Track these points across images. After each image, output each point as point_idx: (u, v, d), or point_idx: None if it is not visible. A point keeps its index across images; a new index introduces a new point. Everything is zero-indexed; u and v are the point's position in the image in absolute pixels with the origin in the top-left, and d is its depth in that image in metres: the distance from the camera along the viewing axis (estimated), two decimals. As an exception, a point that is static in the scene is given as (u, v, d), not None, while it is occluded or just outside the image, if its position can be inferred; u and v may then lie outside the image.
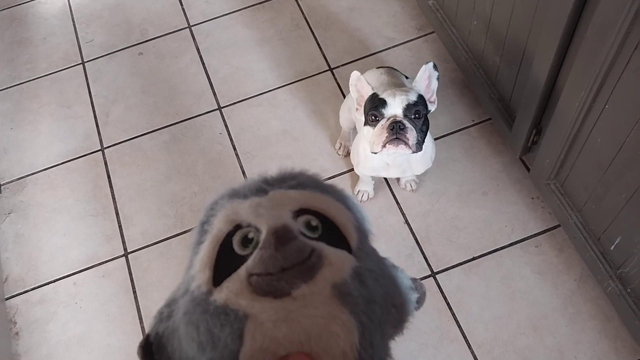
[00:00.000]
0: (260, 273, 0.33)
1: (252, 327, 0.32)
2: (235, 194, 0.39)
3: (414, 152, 1.21)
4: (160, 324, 0.37)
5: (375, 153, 1.23)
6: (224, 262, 0.35)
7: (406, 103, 1.19)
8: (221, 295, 0.33)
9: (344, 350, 0.32)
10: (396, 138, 1.18)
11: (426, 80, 1.26)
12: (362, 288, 0.34)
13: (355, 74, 1.26)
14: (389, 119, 1.19)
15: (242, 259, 0.34)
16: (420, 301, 0.39)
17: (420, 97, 1.23)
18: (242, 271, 0.34)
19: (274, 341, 0.32)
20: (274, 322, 0.32)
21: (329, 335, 0.32)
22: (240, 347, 0.32)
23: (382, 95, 1.21)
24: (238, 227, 0.36)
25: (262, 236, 0.35)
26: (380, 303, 0.35)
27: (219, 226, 0.36)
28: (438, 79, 1.27)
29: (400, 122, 1.18)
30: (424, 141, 1.23)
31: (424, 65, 1.24)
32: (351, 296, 0.33)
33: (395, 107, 1.19)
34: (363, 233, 0.38)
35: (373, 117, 1.21)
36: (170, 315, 0.36)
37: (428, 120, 1.25)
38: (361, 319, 0.33)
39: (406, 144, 1.19)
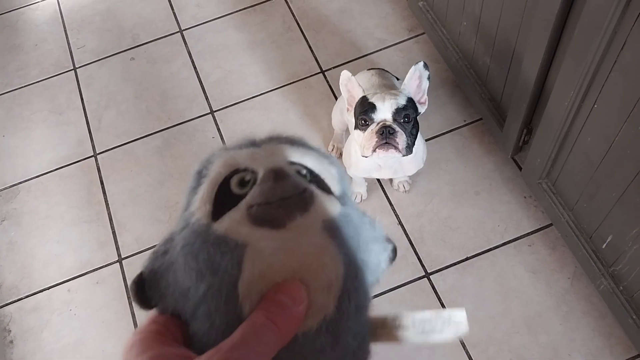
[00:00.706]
0: (260, 203, 0.35)
1: (251, 254, 0.33)
2: (230, 148, 0.41)
3: (404, 156, 1.22)
4: (156, 261, 0.38)
5: (366, 157, 1.24)
6: (223, 200, 0.37)
7: (395, 107, 1.19)
8: (222, 225, 0.35)
9: (330, 279, 0.34)
10: (386, 143, 1.19)
11: (416, 81, 1.25)
12: (348, 226, 0.37)
13: (345, 74, 1.26)
14: (378, 123, 1.19)
15: (240, 198, 0.36)
16: (394, 252, 0.42)
17: (410, 100, 1.23)
18: (241, 204, 0.36)
19: (271, 268, 0.33)
20: (271, 251, 0.33)
21: (318, 264, 0.34)
22: (239, 273, 0.33)
23: (372, 100, 1.21)
24: (235, 171, 0.38)
25: (260, 175, 0.37)
26: (363, 242, 0.38)
27: (216, 170, 0.38)
28: (429, 78, 1.26)
29: (389, 126, 1.18)
30: (414, 144, 1.23)
31: (413, 66, 1.24)
32: (339, 231, 0.36)
33: (384, 111, 1.19)
34: (344, 187, 0.41)
35: (363, 122, 1.21)
36: (167, 251, 0.37)
37: (418, 123, 1.25)
38: (346, 252, 0.35)
39: (396, 148, 1.19)
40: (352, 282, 0.35)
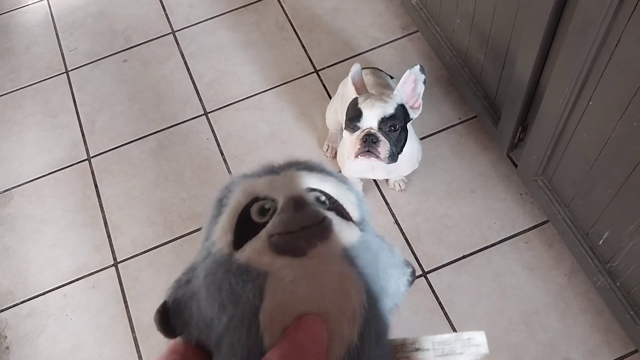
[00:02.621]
0: (281, 232, 0.35)
1: (272, 283, 0.33)
2: (249, 175, 0.41)
3: (388, 164, 1.22)
4: (179, 290, 0.38)
5: (350, 160, 1.24)
6: (244, 229, 0.37)
7: (382, 116, 1.18)
8: (243, 254, 0.35)
9: (354, 307, 0.34)
10: (368, 151, 1.19)
11: (411, 84, 1.23)
12: (367, 253, 0.37)
13: (356, 66, 1.26)
14: (363, 130, 1.19)
15: (261, 226, 0.37)
16: (413, 275, 0.42)
17: (400, 108, 1.21)
18: (262, 233, 0.36)
19: (294, 297, 0.33)
20: (293, 279, 0.33)
21: (342, 292, 0.34)
22: (261, 302, 0.33)
23: (361, 105, 1.20)
24: (255, 199, 0.38)
25: (280, 204, 0.37)
26: (382, 268, 0.38)
27: (236, 199, 0.38)
28: (425, 82, 1.23)
29: (373, 135, 1.18)
30: (399, 152, 1.23)
31: (408, 70, 1.21)
32: (359, 259, 0.36)
33: (370, 119, 1.19)
34: (363, 212, 0.41)
35: (350, 126, 1.21)
36: (189, 280, 0.38)
37: (407, 130, 1.24)
38: (367, 280, 0.35)
39: (377, 156, 1.19)
40: (372, 310, 0.35)
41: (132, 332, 1.46)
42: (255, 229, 0.37)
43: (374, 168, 1.34)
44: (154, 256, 1.55)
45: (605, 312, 1.36)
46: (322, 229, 0.36)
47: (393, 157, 1.21)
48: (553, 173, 1.30)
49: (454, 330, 1.39)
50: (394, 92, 1.23)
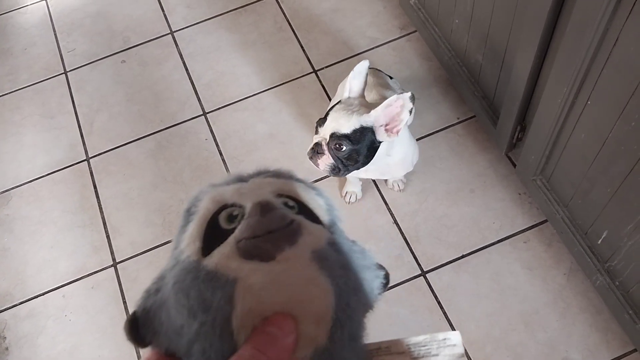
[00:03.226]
0: (248, 237, 0.35)
1: (241, 289, 0.33)
2: (218, 185, 0.42)
3: (332, 176, 1.24)
4: (148, 299, 0.38)
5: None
6: (212, 236, 0.37)
7: (333, 132, 1.17)
8: (212, 260, 0.35)
9: (321, 311, 0.34)
10: (312, 157, 1.22)
11: (397, 109, 1.13)
12: (338, 255, 0.37)
13: (364, 64, 1.23)
14: (319, 136, 1.21)
15: (229, 233, 0.37)
16: (386, 278, 0.42)
17: (360, 131, 1.15)
18: (230, 239, 0.36)
19: (261, 302, 0.33)
20: (261, 285, 0.34)
21: (309, 296, 0.34)
22: (232, 309, 0.33)
23: (330, 112, 1.20)
24: (223, 207, 0.38)
25: (247, 209, 0.37)
26: (353, 271, 0.38)
27: (205, 206, 0.39)
28: (411, 112, 1.13)
29: (319, 145, 1.20)
30: (348, 170, 1.22)
31: (396, 95, 1.12)
32: (328, 261, 0.36)
33: (326, 130, 1.19)
34: (333, 217, 0.41)
35: (316, 127, 1.23)
36: (159, 289, 0.38)
37: (370, 150, 1.18)
38: (338, 282, 0.35)
39: (317, 166, 1.21)
40: (344, 312, 0.35)
41: (131, 333, 1.45)
42: (224, 235, 0.37)
43: (367, 170, 1.34)
44: (153, 257, 1.55)
45: (605, 312, 1.36)
46: (290, 233, 0.36)
47: (336, 172, 1.22)
48: (552, 173, 1.30)
49: (453, 329, 1.38)
50: (371, 112, 1.14)
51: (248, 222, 0.36)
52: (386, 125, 1.17)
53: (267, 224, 0.36)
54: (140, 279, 1.52)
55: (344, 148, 1.16)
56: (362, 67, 1.22)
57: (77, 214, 1.64)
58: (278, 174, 0.42)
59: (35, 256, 1.58)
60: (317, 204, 0.40)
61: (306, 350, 0.33)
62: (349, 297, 0.36)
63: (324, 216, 0.40)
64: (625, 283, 1.20)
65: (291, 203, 0.39)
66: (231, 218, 0.38)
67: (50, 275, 1.55)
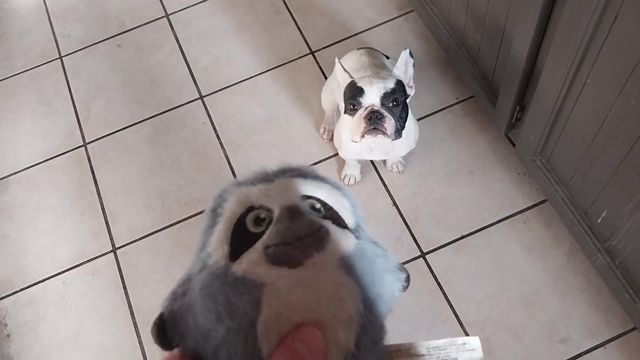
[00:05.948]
0: (277, 243, 0.35)
1: (269, 294, 0.34)
2: (243, 183, 0.41)
3: (393, 140, 1.20)
4: (175, 302, 0.38)
5: (356, 142, 1.22)
6: (239, 240, 0.37)
7: (384, 91, 1.17)
8: (240, 266, 0.35)
9: (350, 315, 0.34)
10: (374, 128, 1.17)
11: (404, 67, 1.25)
12: (363, 261, 0.37)
13: (336, 61, 1.28)
14: (366, 108, 1.18)
15: (256, 237, 0.37)
16: (407, 281, 0.43)
17: (399, 83, 1.21)
18: (258, 244, 0.36)
19: (289, 307, 0.33)
20: (288, 289, 0.34)
21: (337, 300, 0.34)
22: (258, 314, 0.33)
23: (360, 84, 1.19)
24: (250, 209, 0.38)
25: (275, 214, 0.37)
26: (377, 275, 0.38)
27: (231, 208, 0.39)
28: (414, 65, 1.26)
29: (377, 111, 1.17)
30: (403, 128, 1.22)
31: (403, 51, 1.23)
32: (355, 267, 0.36)
33: (372, 95, 1.17)
34: (358, 218, 0.42)
35: (351, 107, 1.19)
36: (185, 292, 0.38)
37: (407, 106, 1.24)
38: (363, 288, 0.36)
39: (384, 133, 1.18)
40: (368, 317, 0.35)
41: (132, 318, 1.46)
42: (251, 239, 0.37)
43: (372, 149, 1.33)
44: (152, 242, 1.55)
45: (605, 291, 1.36)
46: (318, 239, 0.36)
47: (398, 133, 1.20)
48: (551, 152, 1.29)
49: (453, 311, 1.39)
50: (394, 69, 1.25)
51: (277, 228, 0.36)
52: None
53: (296, 230, 0.36)
54: (140, 265, 1.52)
55: (399, 100, 1.19)
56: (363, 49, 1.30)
57: (75, 200, 1.63)
58: (304, 173, 0.42)
59: (35, 243, 1.58)
60: (343, 206, 0.41)
61: (337, 358, 0.33)
62: (374, 302, 0.36)
63: (349, 218, 0.40)
64: (625, 262, 1.20)
65: (318, 206, 0.39)
66: (258, 221, 0.38)
67: (50, 262, 1.55)
